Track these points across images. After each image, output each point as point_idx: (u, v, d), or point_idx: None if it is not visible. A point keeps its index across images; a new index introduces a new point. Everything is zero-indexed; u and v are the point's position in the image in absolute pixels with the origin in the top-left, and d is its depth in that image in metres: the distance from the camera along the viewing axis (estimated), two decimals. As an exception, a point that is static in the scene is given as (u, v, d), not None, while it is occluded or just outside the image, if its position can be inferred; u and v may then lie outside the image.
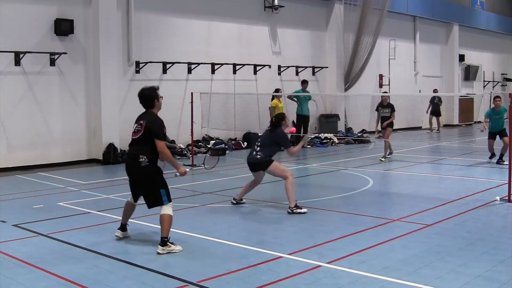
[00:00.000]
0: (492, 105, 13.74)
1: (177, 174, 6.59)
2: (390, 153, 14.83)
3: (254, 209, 8.88)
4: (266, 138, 8.87)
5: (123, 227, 6.95)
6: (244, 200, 9.18)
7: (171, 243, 6.32)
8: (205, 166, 8.21)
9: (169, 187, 6.50)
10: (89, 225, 7.83)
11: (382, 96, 15.46)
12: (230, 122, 17.58)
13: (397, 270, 5.62)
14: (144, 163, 6.33)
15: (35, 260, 6.12)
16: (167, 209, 6.37)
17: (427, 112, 23.67)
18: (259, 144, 8.83)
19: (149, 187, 6.45)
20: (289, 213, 8.34)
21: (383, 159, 14.40)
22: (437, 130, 23.65)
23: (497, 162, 13.22)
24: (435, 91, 24.35)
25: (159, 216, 6.41)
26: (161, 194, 6.37)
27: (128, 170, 6.60)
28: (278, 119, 8.97)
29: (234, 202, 9.08)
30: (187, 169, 6.73)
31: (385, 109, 14.70)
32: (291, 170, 9.02)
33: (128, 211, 6.92)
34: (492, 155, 13.66)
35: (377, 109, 14.94)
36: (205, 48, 17.16)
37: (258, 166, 8.75)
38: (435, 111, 23.57)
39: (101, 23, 14.16)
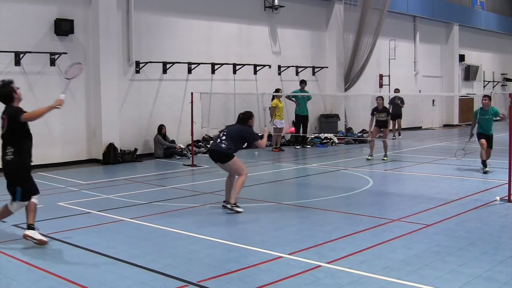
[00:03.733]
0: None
1: (58, 107, 6.77)
2: (371, 155, 14.61)
3: (254, 209, 8.87)
4: (233, 132, 8.63)
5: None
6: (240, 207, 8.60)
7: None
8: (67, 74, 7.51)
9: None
10: (89, 225, 7.84)
11: (377, 100, 15.15)
12: (230, 122, 17.37)
13: (397, 270, 5.63)
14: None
15: (35, 260, 6.13)
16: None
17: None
18: (225, 135, 8.56)
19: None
20: (228, 208, 8.38)
21: (385, 158, 14.43)
22: (399, 134, 21.22)
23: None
24: (396, 90, 21.87)
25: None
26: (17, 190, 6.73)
27: None
28: (246, 117, 8.77)
29: (229, 206, 8.47)
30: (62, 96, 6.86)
31: (381, 113, 14.67)
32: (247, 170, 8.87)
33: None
34: (483, 163, 12.18)
35: (372, 113, 14.91)
36: (205, 48, 17.14)
37: (220, 156, 8.48)
38: (396, 113, 20.43)
39: (101, 23, 14.16)
